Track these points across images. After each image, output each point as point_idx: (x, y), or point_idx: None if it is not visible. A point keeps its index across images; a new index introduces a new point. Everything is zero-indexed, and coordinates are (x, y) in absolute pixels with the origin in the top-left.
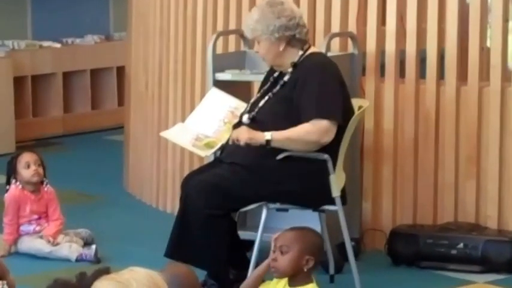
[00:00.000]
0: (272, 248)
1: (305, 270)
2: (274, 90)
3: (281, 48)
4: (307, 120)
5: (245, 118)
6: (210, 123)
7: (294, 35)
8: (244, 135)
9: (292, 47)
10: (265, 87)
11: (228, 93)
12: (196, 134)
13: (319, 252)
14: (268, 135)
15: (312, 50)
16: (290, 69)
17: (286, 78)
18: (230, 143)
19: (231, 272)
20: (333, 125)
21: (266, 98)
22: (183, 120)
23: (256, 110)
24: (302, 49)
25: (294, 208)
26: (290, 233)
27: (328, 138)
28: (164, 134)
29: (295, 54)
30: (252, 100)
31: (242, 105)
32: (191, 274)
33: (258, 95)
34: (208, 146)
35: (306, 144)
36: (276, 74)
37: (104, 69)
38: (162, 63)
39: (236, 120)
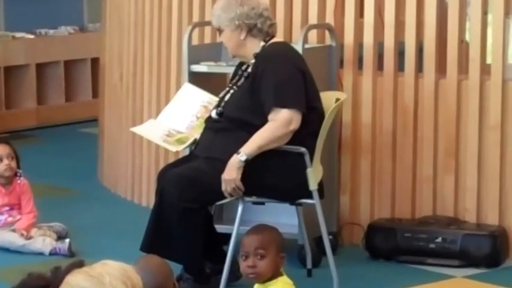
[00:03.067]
0: (242, 254)
1: (281, 268)
2: (239, 83)
3: (242, 37)
4: (267, 111)
5: (213, 113)
6: (182, 118)
7: (255, 24)
8: (226, 180)
9: (254, 37)
10: (233, 81)
11: (204, 85)
12: (168, 130)
13: (284, 245)
14: (241, 156)
15: (273, 40)
16: (252, 61)
17: (249, 69)
18: (228, 198)
19: (207, 265)
20: (294, 113)
21: (232, 91)
22: (158, 112)
23: (222, 104)
24: (264, 41)
25: (271, 201)
26: (262, 236)
27: (294, 126)
28: (135, 129)
29: (257, 46)
30: (221, 95)
31: (215, 100)
32: (164, 265)
33: (226, 88)
34: (180, 141)
35: (278, 141)
36: (244, 67)
37: (78, 60)
38: (137, 55)
39: (208, 114)
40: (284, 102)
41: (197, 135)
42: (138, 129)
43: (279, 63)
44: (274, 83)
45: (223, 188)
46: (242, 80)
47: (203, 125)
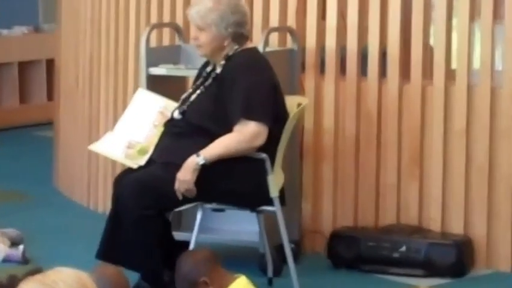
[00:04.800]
0: None
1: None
2: (207, 84)
3: (226, 43)
4: (234, 121)
5: (176, 113)
6: (140, 128)
7: (242, 32)
8: (180, 180)
9: (234, 42)
10: (198, 82)
11: (162, 88)
12: (128, 141)
13: (206, 265)
14: (199, 159)
15: (247, 45)
16: (223, 62)
17: (218, 70)
18: (180, 198)
19: (165, 273)
20: (261, 127)
21: (198, 91)
22: (115, 115)
23: (187, 103)
24: (239, 44)
25: (231, 208)
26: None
27: (260, 141)
28: (93, 147)
29: (231, 49)
30: (183, 96)
31: (171, 104)
32: (120, 275)
33: (190, 90)
34: (142, 152)
35: (239, 153)
36: (208, 69)
37: (33, 61)
38: (93, 57)
39: (166, 119)
40: (253, 114)
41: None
42: (97, 147)
43: (252, 75)
44: (245, 94)
45: (176, 186)
46: (210, 80)
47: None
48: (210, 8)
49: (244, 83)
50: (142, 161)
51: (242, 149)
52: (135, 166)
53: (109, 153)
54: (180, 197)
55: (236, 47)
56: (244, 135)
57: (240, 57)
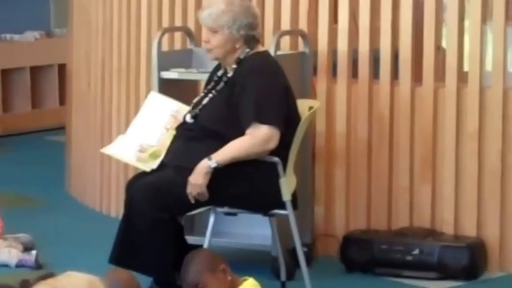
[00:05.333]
0: None
1: (229, 278)
2: (219, 88)
3: (238, 46)
4: (246, 125)
5: (188, 117)
6: (152, 131)
7: (253, 35)
8: (192, 184)
9: (246, 45)
10: (209, 86)
11: (174, 92)
12: (140, 145)
13: (219, 257)
14: (212, 163)
15: (258, 49)
16: (234, 66)
17: (230, 74)
18: (192, 201)
19: (178, 278)
20: (274, 131)
21: (210, 95)
22: (127, 120)
23: (199, 107)
24: (250, 47)
25: (243, 212)
26: (190, 272)
27: (272, 145)
28: (106, 150)
29: (243, 52)
30: (195, 100)
31: (183, 108)
32: (133, 280)
33: (202, 94)
34: (154, 156)
35: (251, 156)
36: (220, 73)
37: (45, 66)
38: (105, 61)
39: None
40: (265, 118)
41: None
42: (109, 150)
43: (264, 78)
44: (257, 98)
45: (188, 190)
46: (222, 84)
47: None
48: (223, 10)
49: (256, 87)
50: (155, 164)
51: (254, 152)
52: (147, 169)
53: (121, 156)
54: (193, 201)
55: (247, 50)
56: (257, 138)
57: (251, 61)
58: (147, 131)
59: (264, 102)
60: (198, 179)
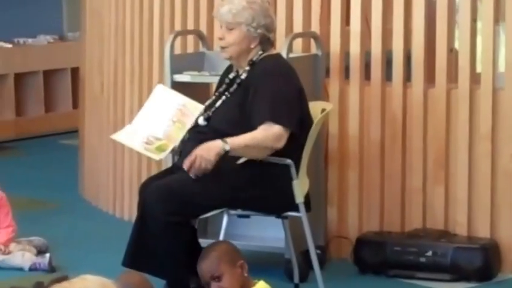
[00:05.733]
0: (204, 285)
1: (246, 275)
2: (231, 90)
3: (253, 46)
4: (259, 123)
5: (201, 120)
6: (158, 123)
7: (269, 37)
8: (200, 154)
9: (260, 47)
10: (221, 89)
11: (187, 95)
12: (147, 137)
13: (239, 252)
14: (226, 146)
15: (271, 51)
16: (247, 68)
17: (243, 76)
18: (193, 177)
19: (192, 280)
20: (285, 131)
21: (223, 98)
22: None
23: (212, 110)
24: (263, 49)
25: (256, 214)
26: (208, 261)
27: (280, 144)
28: (115, 136)
29: (256, 54)
30: (207, 102)
31: (190, 103)
32: (146, 283)
33: (213, 97)
34: (160, 149)
35: (261, 151)
36: (232, 75)
37: (58, 70)
38: (118, 65)
39: (190, 120)
40: (279, 118)
41: (176, 142)
42: (118, 137)
43: (278, 80)
44: (272, 99)
45: (195, 164)
46: (235, 86)
47: (179, 130)
48: (244, 6)
49: (271, 89)
50: (162, 156)
51: (265, 145)
52: (156, 158)
53: (130, 144)
54: (193, 177)
55: (261, 52)
56: (270, 134)
57: (264, 63)
58: (153, 123)
59: (278, 104)
60: (210, 155)
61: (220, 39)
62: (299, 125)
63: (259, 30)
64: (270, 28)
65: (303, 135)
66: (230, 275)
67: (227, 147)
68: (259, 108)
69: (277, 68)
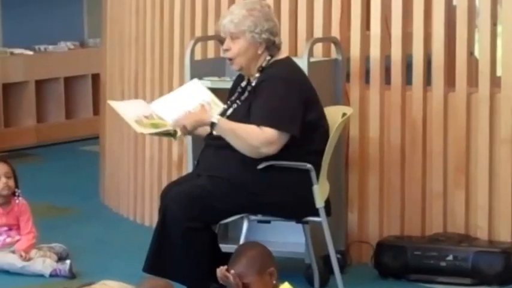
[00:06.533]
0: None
1: (274, 282)
2: (242, 98)
3: (260, 51)
4: (255, 124)
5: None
6: (175, 110)
7: (274, 41)
8: (189, 120)
9: (267, 52)
10: (233, 97)
11: None
12: (150, 113)
13: (272, 257)
14: (215, 118)
15: (279, 56)
16: (257, 74)
17: (253, 83)
18: (178, 130)
19: (212, 286)
20: (280, 136)
21: (235, 106)
22: None
23: (225, 117)
24: (271, 55)
25: (277, 220)
26: (239, 265)
27: (270, 150)
28: (113, 103)
29: (265, 60)
30: (220, 111)
31: (216, 102)
32: None
33: (226, 106)
34: (154, 125)
35: (245, 145)
36: (243, 84)
37: (79, 77)
38: (139, 71)
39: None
40: (271, 122)
41: (179, 132)
42: (116, 104)
43: (278, 84)
44: (270, 102)
45: (182, 120)
46: (246, 94)
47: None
48: (244, 15)
49: (270, 93)
50: (149, 131)
51: (251, 142)
52: (138, 130)
53: (122, 112)
54: (179, 133)
55: (269, 58)
56: (262, 135)
57: (273, 69)
58: (170, 108)
59: (276, 108)
60: (197, 121)
61: (227, 50)
62: (311, 129)
63: (263, 35)
64: (274, 31)
65: (321, 139)
66: (258, 281)
67: (215, 120)
68: (256, 111)
69: (283, 73)
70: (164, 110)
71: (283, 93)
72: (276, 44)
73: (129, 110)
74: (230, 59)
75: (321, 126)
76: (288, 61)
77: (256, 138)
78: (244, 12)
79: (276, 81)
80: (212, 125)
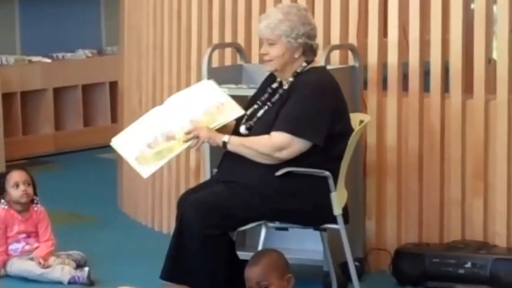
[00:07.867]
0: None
1: None
2: (273, 100)
3: (296, 55)
4: (274, 130)
5: (242, 128)
6: (189, 110)
7: (311, 45)
8: (204, 133)
9: (304, 56)
10: (263, 97)
11: None
12: (155, 136)
13: (289, 265)
14: (226, 137)
15: (315, 63)
16: (291, 79)
17: (285, 87)
18: (190, 138)
19: None
20: (293, 142)
21: (266, 107)
22: None
23: (254, 119)
24: (307, 61)
25: (294, 227)
26: (260, 267)
27: (283, 155)
28: (114, 143)
29: (300, 65)
30: (249, 111)
31: (230, 103)
32: None
33: (255, 106)
34: (158, 155)
35: (258, 155)
36: (274, 85)
37: (96, 84)
38: (156, 78)
39: (222, 119)
40: (286, 128)
41: (179, 150)
42: (116, 144)
43: (311, 93)
44: (290, 110)
45: (194, 132)
46: (277, 96)
47: (207, 124)
48: (280, 19)
49: (298, 100)
50: (154, 168)
51: (261, 151)
52: (140, 173)
53: (123, 153)
54: (190, 143)
55: (305, 64)
56: (271, 142)
57: (307, 77)
58: (184, 107)
59: (294, 113)
60: (210, 138)
61: (264, 54)
62: (333, 140)
63: (299, 40)
64: (311, 35)
65: (340, 146)
66: (277, 286)
67: (225, 139)
68: (281, 115)
69: (315, 81)
70: (174, 118)
71: (313, 101)
72: (313, 48)
73: (130, 145)
74: (266, 60)
75: (346, 137)
76: (322, 70)
77: (265, 146)
78: (280, 16)
79: (308, 89)
80: (224, 144)
